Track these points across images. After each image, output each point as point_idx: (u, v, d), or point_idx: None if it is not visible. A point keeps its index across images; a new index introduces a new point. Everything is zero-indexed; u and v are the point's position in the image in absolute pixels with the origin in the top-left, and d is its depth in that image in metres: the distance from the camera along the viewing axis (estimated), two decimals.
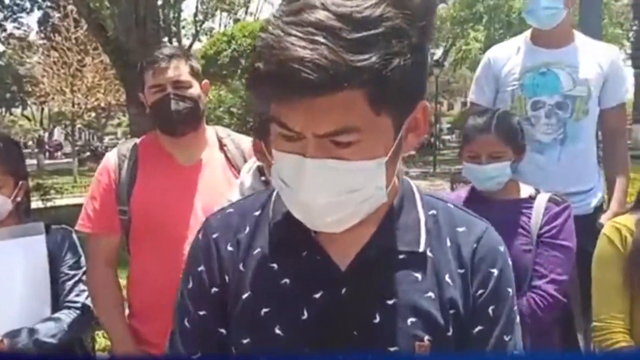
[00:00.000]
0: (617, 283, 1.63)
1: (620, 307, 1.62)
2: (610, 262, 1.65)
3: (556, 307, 1.79)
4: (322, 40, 0.68)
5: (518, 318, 0.89)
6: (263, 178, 1.60)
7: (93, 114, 21.97)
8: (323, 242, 0.84)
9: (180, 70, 1.72)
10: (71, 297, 1.77)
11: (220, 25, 27.37)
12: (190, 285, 0.89)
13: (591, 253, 1.72)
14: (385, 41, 0.69)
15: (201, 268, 0.88)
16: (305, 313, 0.82)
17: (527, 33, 2.38)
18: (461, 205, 0.93)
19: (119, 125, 35.99)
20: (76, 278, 1.79)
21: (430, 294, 0.82)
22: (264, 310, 0.83)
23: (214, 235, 0.89)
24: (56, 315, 1.72)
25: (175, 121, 1.71)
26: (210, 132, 1.86)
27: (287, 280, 0.83)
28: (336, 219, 0.77)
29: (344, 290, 0.82)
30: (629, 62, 21.84)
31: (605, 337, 1.62)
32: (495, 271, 0.85)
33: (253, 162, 1.66)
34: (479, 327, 0.84)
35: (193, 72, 1.76)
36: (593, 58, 2.26)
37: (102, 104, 19.56)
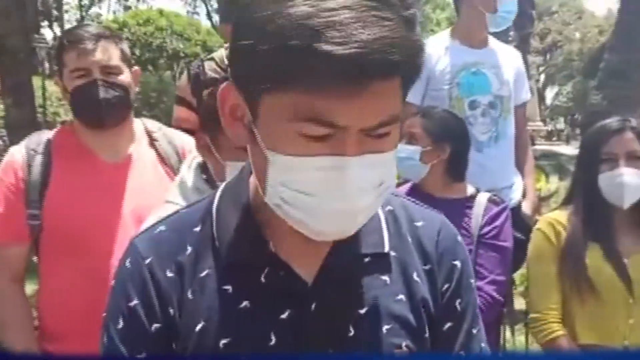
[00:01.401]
0: (552, 276, 1.73)
1: (555, 298, 1.73)
2: (546, 256, 1.76)
3: (496, 308, 1.82)
4: (384, 15, 0.60)
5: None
6: (204, 176, 1.42)
7: None
8: (283, 256, 0.73)
9: (109, 53, 1.50)
10: None
11: (109, 11, 25.92)
12: (121, 324, 0.73)
13: (523, 241, 1.84)
14: (416, 18, 0.65)
15: (134, 303, 0.73)
16: (273, 338, 0.72)
17: (447, 32, 2.41)
18: (411, 198, 0.88)
19: None
20: None
21: (401, 296, 0.76)
22: (224, 341, 0.71)
23: (147, 261, 0.74)
24: None
25: (102, 112, 1.50)
26: (138, 124, 1.65)
27: (247, 303, 0.72)
28: (363, 220, 0.69)
29: (313, 306, 0.73)
30: None
31: (542, 327, 1.73)
32: (458, 263, 0.81)
33: (192, 159, 1.47)
34: (449, 324, 0.80)
35: (124, 57, 1.55)
36: (508, 60, 2.38)
37: None
